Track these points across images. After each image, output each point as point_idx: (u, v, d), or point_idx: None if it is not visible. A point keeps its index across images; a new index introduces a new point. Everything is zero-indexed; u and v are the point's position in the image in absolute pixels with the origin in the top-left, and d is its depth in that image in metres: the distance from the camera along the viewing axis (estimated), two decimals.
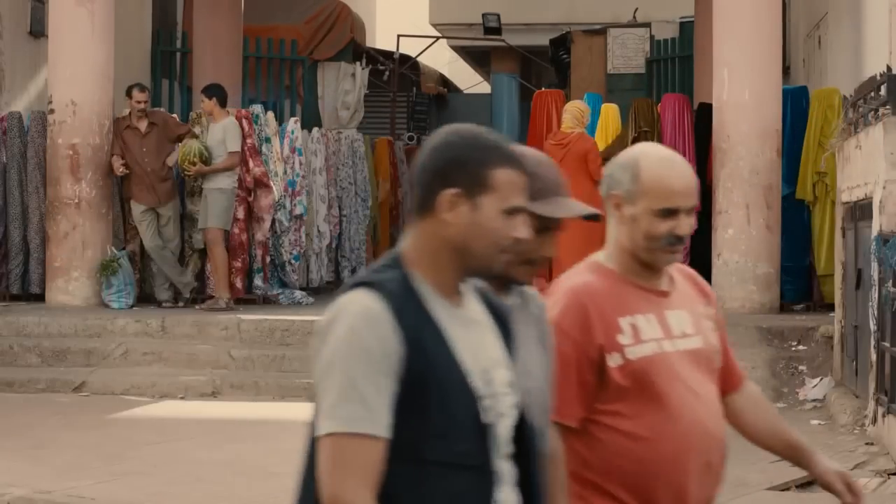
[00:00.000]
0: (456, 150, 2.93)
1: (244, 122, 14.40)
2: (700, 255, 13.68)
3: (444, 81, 32.30)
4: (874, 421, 9.24)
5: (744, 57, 13.29)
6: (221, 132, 13.97)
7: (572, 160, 13.18)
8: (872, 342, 9.19)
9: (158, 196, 14.12)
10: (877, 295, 9.03)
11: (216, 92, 14.14)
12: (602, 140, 13.75)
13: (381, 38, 30.86)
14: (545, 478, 3.17)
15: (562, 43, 25.06)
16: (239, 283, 14.47)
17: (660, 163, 3.63)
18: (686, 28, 21.53)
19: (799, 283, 13.74)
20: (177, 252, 14.36)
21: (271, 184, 14.58)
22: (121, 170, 13.95)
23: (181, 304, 14.14)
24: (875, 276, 9.12)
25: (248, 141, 14.36)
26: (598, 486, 3.53)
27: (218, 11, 18.45)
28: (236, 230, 14.23)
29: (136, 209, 14.14)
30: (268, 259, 14.87)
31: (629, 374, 3.55)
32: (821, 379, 11.21)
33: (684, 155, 13.88)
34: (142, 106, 14.20)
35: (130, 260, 14.21)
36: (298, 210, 15.30)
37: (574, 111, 13.36)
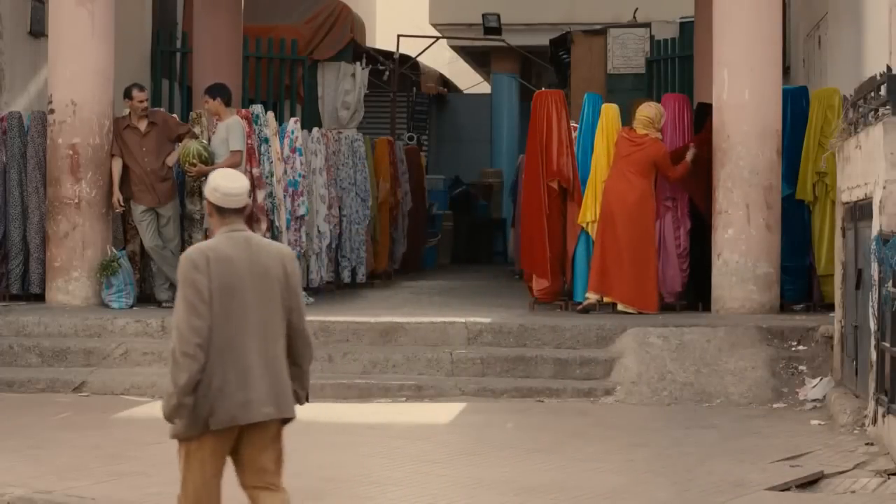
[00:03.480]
0: None
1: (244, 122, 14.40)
2: (700, 255, 13.68)
3: (444, 81, 32.32)
4: (874, 421, 9.24)
5: (744, 57, 13.29)
6: (225, 131, 13.97)
7: (640, 161, 13.29)
8: (872, 342, 9.19)
9: (158, 196, 14.11)
10: (877, 295, 9.03)
11: (220, 92, 14.13)
12: (602, 141, 13.74)
13: (381, 38, 30.87)
14: None
15: (562, 43, 25.07)
16: None
17: None
18: (686, 28, 21.55)
19: (799, 283, 13.74)
20: (177, 252, 14.34)
21: (264, 186, 14.56)
22: (119, 208, 14.03)
23: None
24: (875, 276, 9.12)
25: (248, 141, 14.36)
26: None
27: (218, 11, 18.44)
28: None
29: (136, 209, 14.14)
30: None
31: None
32: (821, 379, 11.21)
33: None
34: (144, 105, 14.20)
35: (130, 260, 14.21)
36: (301, 211, 15.30)
37: (643, 119, 13.45)
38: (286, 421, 6.09)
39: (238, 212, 6.07)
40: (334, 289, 17.06)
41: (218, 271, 5.90)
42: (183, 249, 14.46)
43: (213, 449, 5.90)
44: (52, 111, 14.11)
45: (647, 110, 13.59)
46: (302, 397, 6.28)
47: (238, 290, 5.94)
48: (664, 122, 13.73)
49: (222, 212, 6.07)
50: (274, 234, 14.94)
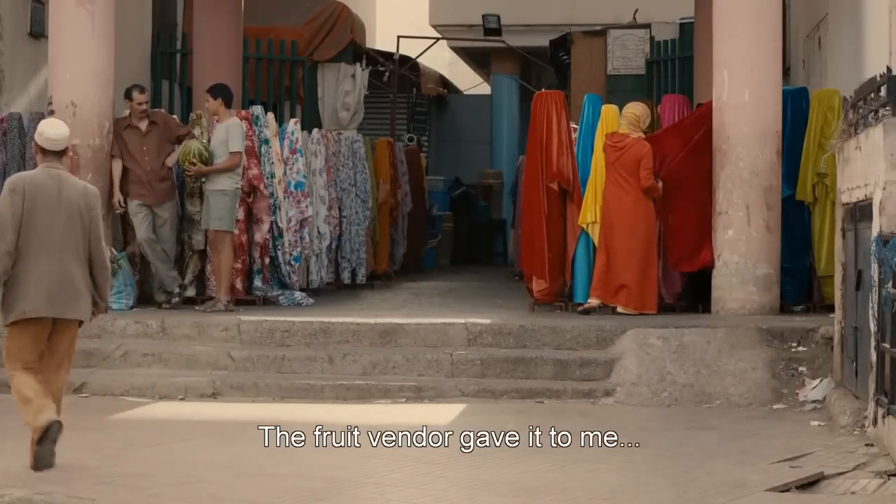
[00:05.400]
0: None
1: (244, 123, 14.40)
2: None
3: (444, 82, 32.30)
4: (874, 422, 9.24)
5: (744, 58, 13.29)
6: (224, 132, 13.98)
7: (627, 163, 13.27)
8: (872, 343, 9.19)
9: (156, 196, 14.12)
10: (877, 296, 9.03)
11: (222, 92, 14.14)
12: (602, 142, 13.74)
13: (381, 39, 30.86)
14: None
15: (562, 44, 25.07)
16: (239, 285, 14.46)
17: None
18: (686, 29, 21.55)
19: (799, 284, 13.75)
20: (171, 252, 14.35)
21: (264, 189, 14.56)
22: (119, 209, 14.03)
23: (176, 299, 14.09)
24: (875, 277, 9.12)
25: (247, 142, 14.36)
26: None
27: (218, 13, 18.43)
28: (236, 231, 14.23)
29: (132, 203, 14.12)
30: (266, 260, 14.87)
31: None
32: (821, 380, 11.21)
33: None
34: (143, 107, 14.21)
35: (130, 261, 14.21)
36: (309, 212, 15.29)
37: (630, 116, 13.46)
38: (80, 322, 8.28)
39: (57, 154, 8.29)
40: (334, 290, 17.07)
41: (31, 194, 8.03)
42: (182, 251, 14.55)
43: (28, 332, 8.15)
44: (52, 112, 14.09)
45: (635, 108, 13.61)
46: (102, 307, 8.35)
47: (46, 212, 8.01)
48: (660, 124, 13.75)
49: (45, 152, 8.25)
50: (275, 235, 14.94)
